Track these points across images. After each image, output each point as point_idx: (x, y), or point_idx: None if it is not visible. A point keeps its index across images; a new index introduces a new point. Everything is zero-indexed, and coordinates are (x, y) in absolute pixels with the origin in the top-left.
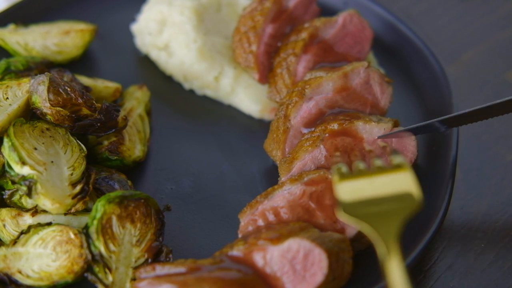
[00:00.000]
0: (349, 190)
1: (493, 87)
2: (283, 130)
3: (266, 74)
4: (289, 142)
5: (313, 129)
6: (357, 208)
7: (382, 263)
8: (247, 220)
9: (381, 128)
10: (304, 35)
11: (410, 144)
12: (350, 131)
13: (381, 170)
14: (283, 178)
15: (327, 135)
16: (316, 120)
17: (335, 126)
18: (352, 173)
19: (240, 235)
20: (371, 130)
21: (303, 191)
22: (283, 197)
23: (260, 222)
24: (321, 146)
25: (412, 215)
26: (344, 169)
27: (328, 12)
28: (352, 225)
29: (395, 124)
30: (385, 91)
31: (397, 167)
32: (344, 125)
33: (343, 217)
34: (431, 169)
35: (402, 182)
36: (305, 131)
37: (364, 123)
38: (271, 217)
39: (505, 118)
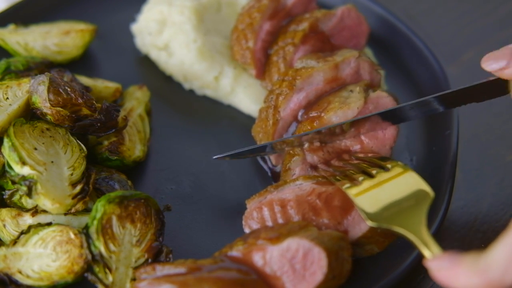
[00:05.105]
0: (368, 201)
1: None
2: (273, 123)
3: (264, 70)
4: (278, 134)
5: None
6: (382, 214)
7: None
8: (254, 206)
9: (353, 109)
10: (305, 25)
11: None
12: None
13: (387, 177)
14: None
15: (306, 145)
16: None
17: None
18: (362, 185)
19: (244, 222)
20: (345, 116)
21: (313, 189)
22: (292, 191)
23: (266, 211)
24: (308, 154)
25: (430, 205)
26: (351, 184)
27: None
28: (383, 228)
29: (368, 86)
30: (375, 79)
31: (400, 170)
32: (315, 124)
33: (372, 225)
34: (431, 169)
35: (409, 180)
36: (293, 123)
37: (334, 113)
38: (277, 208)
39: (505, 118)
